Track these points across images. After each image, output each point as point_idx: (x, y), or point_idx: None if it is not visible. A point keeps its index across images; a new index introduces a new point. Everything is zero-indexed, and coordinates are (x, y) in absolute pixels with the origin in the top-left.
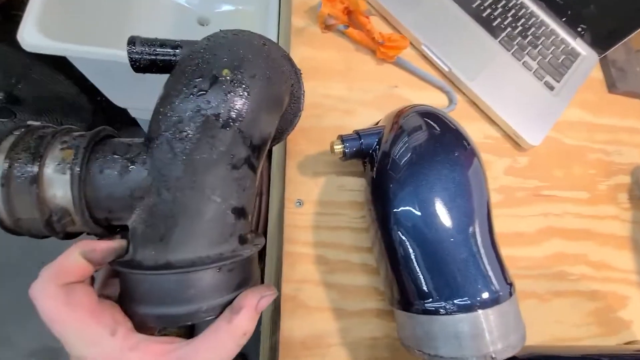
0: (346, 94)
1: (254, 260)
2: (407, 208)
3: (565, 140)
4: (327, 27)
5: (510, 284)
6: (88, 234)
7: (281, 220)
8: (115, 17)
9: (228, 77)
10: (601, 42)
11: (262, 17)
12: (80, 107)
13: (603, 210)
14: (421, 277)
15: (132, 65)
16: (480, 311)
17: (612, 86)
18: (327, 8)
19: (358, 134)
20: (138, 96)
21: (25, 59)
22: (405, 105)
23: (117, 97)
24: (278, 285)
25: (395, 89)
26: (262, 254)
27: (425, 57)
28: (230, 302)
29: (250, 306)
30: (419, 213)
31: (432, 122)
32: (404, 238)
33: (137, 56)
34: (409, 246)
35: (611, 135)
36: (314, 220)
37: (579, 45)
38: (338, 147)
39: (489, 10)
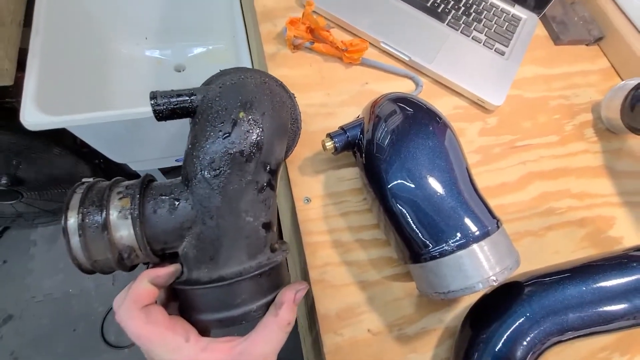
0: (325, 99)
1: (284, 264)
2: (398, 181)
3: (526, 94)
4: (296, 47)
5: (497, 219)
6: (145, 263)
7: (295, 218)
8: (100, 80)
9: (245, 119)
10: (537, 3)
11: (234, 52)
12: (80, 173)
13: (574, 147)
14: (422, 230)
15: (156, 117)
16: (474, 245)
17: (556, 39)
18: (292, 31)
19: (343, 129)
20: (138, 150)
21: (23, 140)
22: (378, 96)
23: (117, 154)
24: (305, 272)
25: (367, 85)
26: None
27: (386, 53)
28: (272, 300)
29: (289, 300)
30: (408, 182)
31: (403, 105)
32: (401, 206)
33: (159, 108)
34: (406, 210)
35: (566, 82)
36: (323, 211)
37: (518, 11)
38: (329, 144)
39: (434, 3)
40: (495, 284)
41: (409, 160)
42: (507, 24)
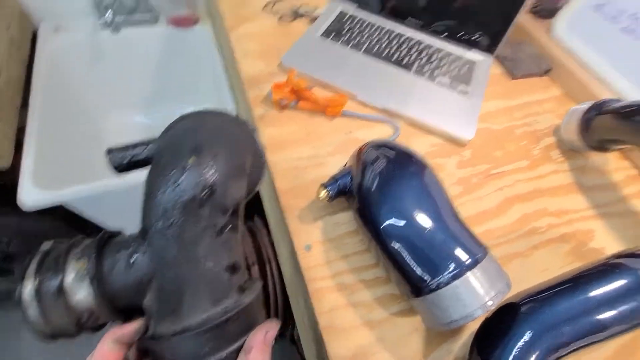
0: (314, 152)
1: (256, 303)
2: (390, 222)
3: (493, 126)
4: (282, 107)
5: (484, 246)
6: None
7: (297, 267)
8: (94, 151)
9: (195, 164)
10: (488, 47)
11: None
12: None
13: (543, 169)
14: (418, 265)
15: (114, 170)
16: (468, 273)
17: (511, 75)
18: (277, 94)
19: (334, 178)
20: (135, 215)
21: (13, 218)
22: (362, 144)
23: (114, 221)
24: (314, 320)
25: (350, 134)
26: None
27: (364, 104)
28: (242, 345)
29: (259, 343)
30: (399, 222)
31: (385, 151)
32: (395, 244)
33: (116, 162)
34: (401, 248)
35: (526, 111)
36: (324, 257)
37: (474, 54)
38: (323, 193)
39: (397, 54)
40: (492, 307)
41: (397, 201)
42: (466, 66)
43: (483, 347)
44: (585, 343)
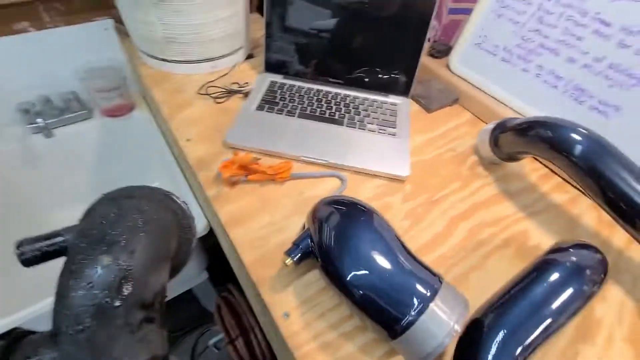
0: (272, 219)
1: None
2: (353, 273)
3: (424, 158)
4: (234, 184)
5: (438, 275)
6: None
7: (280, 335)
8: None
9: (109, 263)
10: (403, 90)
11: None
12: None
13: (474, 185)
14: (387, 309)
15: (23, 264)
16: (431, 305)
17: (427, 109)
18: (226, 173)
19: (295, 243)
20: None
21: None
22: (314, 203)
23: None
24: None
25: (303, 194)
26: None
27: (309, 163)
28: None
29: None
30: (361, 271)
31: (335, 207)
32: (362, 293)
33: (26, 255)
34: (368, 296)
35: (447, 138)
36: (303, 320)
37: (393, 99)
38: (288, 261)
39: (328, 111)
40: (458, 330)
41: (355, 252)
42: (389, 111)
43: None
44: (548, 333)
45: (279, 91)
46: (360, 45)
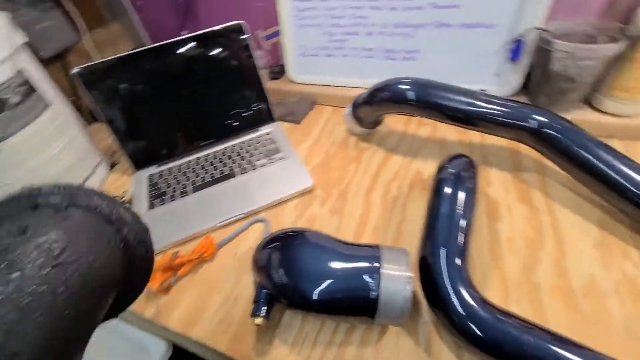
0: (223, 295)
1: None
2: (314, 291)
3: (317, 161)
4: (168, 289)
5: (375, 247)
6: None
7: None
8: None
9: None
10: (268, 117)
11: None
12: None
13: (365, 159)
14: (354, 299)
15: None
16: (382, 271)
17: (296, 122)
18: (154, 284)
19: (256, 301)
20: None
21: None
22: (251, 254)
23: None
24: None
25: (238, 253)
26: None
27: (226, 225)
28: None
29: None
30: (320, 285)
31: (270, 247)
32: (330, 301)
33: None
34: (338, 299)
35: (324, 134)
36: (303, 356)
37: (264, 129)
38: (258, 320)
39: (216, 172)
40: (412, 275)
41: (306, 273)
42: (267, 141)
43: (428, 291)
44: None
45: (161, 180)
46: (206, 100)
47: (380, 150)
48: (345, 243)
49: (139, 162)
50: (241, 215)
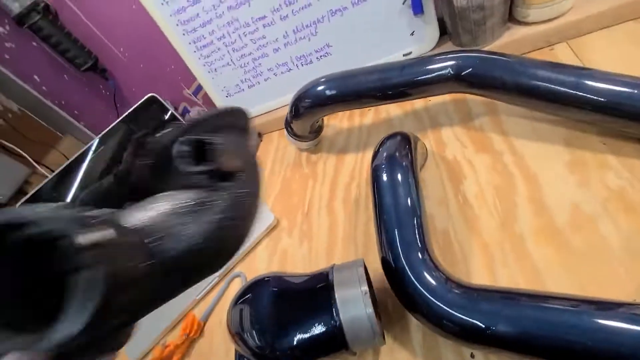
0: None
1: None
2: (287, 345)
3: (275, 191)
4: None
5: (326, 271)
6: None
7: None
8: None
9: None
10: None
11: None
12: None
13: (319, 171)
14: (322, 337)
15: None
16: (336, 296)
17: None
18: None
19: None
20: None
21: None
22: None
23: None
24: None
25: (223, 321)
26: None
27: (204, 296)
28: None
29: None
30: (289, 335)
31: (239, 306)
32: (301, 346)
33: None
34: (305, 344)
35: (276, 162)
36: None
37: None
38: None
39: None
40: (367, 289)
41: (265, 330)
42: None
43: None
44: (421, 219)
45: None
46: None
47: (332, 156)
48: (301, 278)
49: None
50: (216, 279)
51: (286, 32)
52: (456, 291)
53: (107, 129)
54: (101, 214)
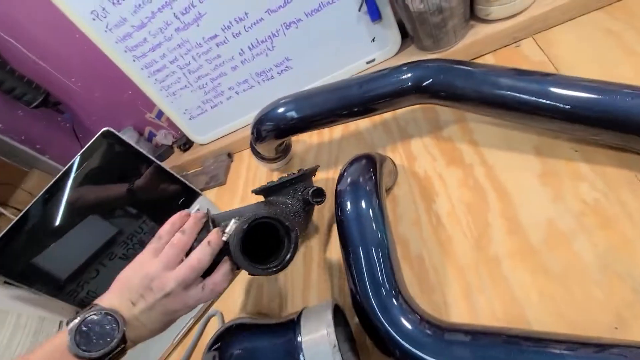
0: None
1: None
2: None
3: None
4: None
5: (292, 318)
6: None
7: None
8: None
9: None
10: (191, 195)
11: None
12: None
13: None
14: None
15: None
16: (302, 346)
17: (221, 183)
18: None
19: None
20: None
21: None
22: None
23: None
24: None
25: None
26: None
27: (184, 335)
28: None
29: None
30: None
31: (218, 344)
32: None
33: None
34: None
35: (250, 182)
36: None
37: (195, 206)
38: None
39: None
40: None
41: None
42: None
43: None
44: (389, 254)
45: None
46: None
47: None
48: (268, 327)
49: None
50: (191, 321)
51: (241, 50)
52: (429, 332)
53: (62, 171)
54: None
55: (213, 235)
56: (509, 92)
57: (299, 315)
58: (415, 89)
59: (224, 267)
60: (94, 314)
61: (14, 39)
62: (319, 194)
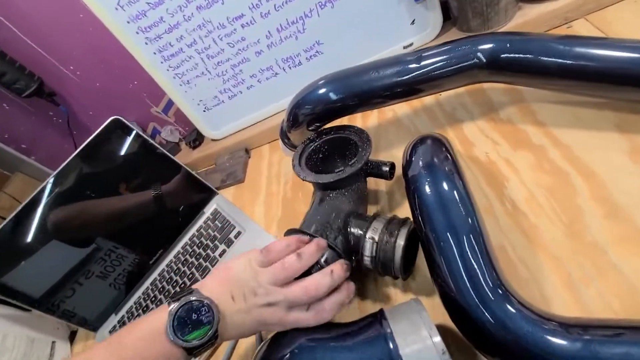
0: None
1: None
2: None
3: (279, 214)
4: None
5: (377, 318)
6: None
7: None
8: None
9: None
10: (207, 194)
11: None
12: None
13: None
14: None
15: None
16: (401, 353)
17: (240, 181)
18: None
19: None
20: None
21: None
22: None
23: None
24: None
25: None
26: None
27: None
28: None
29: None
30: None
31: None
32: None
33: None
34: None
35: (273, 179)
36: None
37: (209, 207)
38: None
39: (179, 286)
40: (438, 339)
41: None
42: (214, 221)
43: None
44: (477, 224)
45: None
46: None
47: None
48: (344, 329)
49: (95, 322)
50: None
51: (269, 32)
52: (569, 334)
53: (64, 164)
54: None
55: (337, 267)
56: (594, 63)
57: (382, 319)
58: (489, 64)
59: (338, 297)
60: (195, 300)
61: (5, 18)
62: (392, 165)
